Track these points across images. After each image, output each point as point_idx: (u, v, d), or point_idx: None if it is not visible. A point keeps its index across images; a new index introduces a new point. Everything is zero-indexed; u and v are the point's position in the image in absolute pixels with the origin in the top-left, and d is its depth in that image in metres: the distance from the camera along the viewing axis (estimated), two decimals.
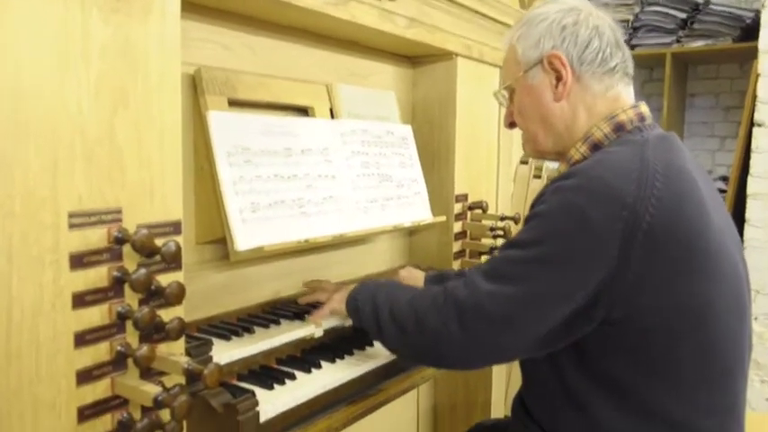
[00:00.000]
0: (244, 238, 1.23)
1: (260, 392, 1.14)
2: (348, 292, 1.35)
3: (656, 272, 1.01)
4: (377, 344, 1.43)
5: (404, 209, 1.69)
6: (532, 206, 1.13)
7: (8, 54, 0.80)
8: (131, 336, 0.95)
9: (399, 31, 1.60)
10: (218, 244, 1.33)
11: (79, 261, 0.88)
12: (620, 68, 1.20)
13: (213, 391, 1.06)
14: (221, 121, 1.26)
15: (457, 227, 1.94)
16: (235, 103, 1.34)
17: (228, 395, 1.08)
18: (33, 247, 0.84)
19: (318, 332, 1.38)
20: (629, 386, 1.06)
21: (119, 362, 0.94)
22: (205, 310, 1.35)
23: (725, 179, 3.70)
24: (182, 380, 1.00)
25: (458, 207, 1.93)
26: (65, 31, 0.86)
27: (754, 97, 3.04)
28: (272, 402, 1.13)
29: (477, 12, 1.84)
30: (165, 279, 0.97)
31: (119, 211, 0.93)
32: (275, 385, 1.19)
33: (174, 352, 1.01)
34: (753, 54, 3.15)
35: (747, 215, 2.99)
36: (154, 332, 0.97)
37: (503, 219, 2.00)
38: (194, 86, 1.28)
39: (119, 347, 0.93)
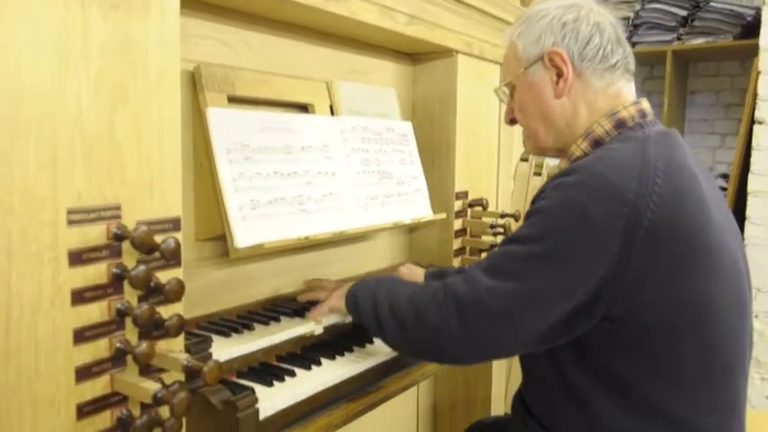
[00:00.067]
0: (243, 235, 1.23)
1: (260, 389, 1.13)
2: (347, 289, 1.35)
3: (658, 268, 1.00)
4: (377, 341, 1.43)
5: (404, 206, 1.68)
6: (533, 202, 1.12)
7: (8, 51, 0.80)
8: (131, 332, 0.95)
9: (399, 27, 1.59)
10: (218, 241, 1.32)
11: (78, 258, 0.88)
12: (622, 65, 1.20)
13: (213, 389, 1.06)
14: (221, 118, 1.26)
15: (457, 224, 1.94)
16: (234, 100, 1.34)
17: (228, 392, 1.07)
18: (32, 244, 0.83)
19: (318, 329, 1.38)
20: (629, 383, 1.06)
21: (118, 359, 0.94)
22: (205, 307, 1.35)
23: (725, 176, 3.70)
24: (181, 377, 1.00)
25: (458, 204, 1.93)
26: (64, 28, 0.85)
27: (755, 95, 3.04)
28: (272, 399, 1.13)
29: (477, 9, 1.84)
30: (164, 276, 0.97)
31: (118, 208, 0.93)
32: (275, 382, 1.19)
33: (174, 349, 1.00)
34: (753, 51, 3.14)
35: (748, 212, 2.98)
36: (153, 329, 0.96)
37: (503, 216, 2.00)
38: (194, 83, 1.28)
39: (118, 344, 0.93)
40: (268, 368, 1.27)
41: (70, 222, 0.87)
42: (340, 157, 1.52)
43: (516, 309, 1.05)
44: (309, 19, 1.48)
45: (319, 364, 1.30)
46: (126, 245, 0.93)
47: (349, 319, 1.39)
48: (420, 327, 1.15)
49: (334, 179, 1.48)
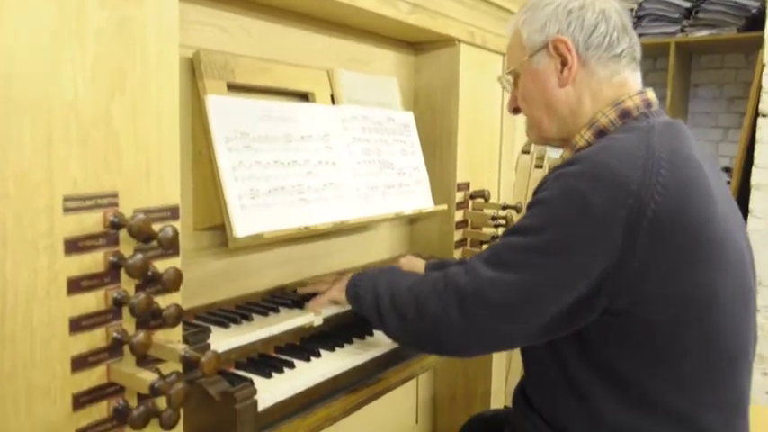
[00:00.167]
0: (243, 224, 1.22)
1: (258, 381, 1.13)
2: (348, 280, 1.34)
3: (662, 260, 0.99)
4: (377, 332, 1.43)
5: (405, 197, 1.67)
6: (535, 193, 1.11)
7: (2, 36, 0.78)
8: (127, 322, 0.94)
9: (402, 16, 1.57)
10: (217, 230, 1.31)
11: (74, 246, 0.87)
12: (627, 54, 1.18)
13: (211, 379, 1.05)
14: (220, 106, 1.25)
15: (458, 215, 1.93)
16: (233, 88, 1.32)
17: (226, 383, 1.07)
18: (27, 232, 0.82)
19: (318, 320, 1.37)
20: (631, 377, 1.05)
21: (115, 348, 0.93)
22: (203, 297, 1.34)
23: (728, 170, 3.68)
24: (179, 367, 0.99)
25: (459, 196, 1.92)
26: (60, 12, 0.84)
27: (759, 87, 3.02)
28: (271, 391, 1.12)
29: None
30: (161, 265, 0.96)
31: (115, 195, 0.91)
32: (273, 374, 1.18)
33: (172, 339, 0.99)
34: (758, 44, 3.12)
35: (751, 206, 2.98)
36: (150, 319, 0.96)
37: (504, 208, 1.99)
38: (192, 70, 1.27)
39: (115, 334, 0.92)
40: (267, 359, 1.26)
41: (66, 210, 0.86)
42: (340, 146, 1.51)
43: (517, 300, 1.04)
44: (310, 6, 1.47)
45: (318, 355, 1.29)
46: (123, 233, 0.92)
47: (348, 308, 1.38)
48: (420, 317, 1.14)
49: (334, 169, 1.47)
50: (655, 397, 1.05)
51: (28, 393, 0.84)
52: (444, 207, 1.81)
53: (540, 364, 1.18)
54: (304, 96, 1.53)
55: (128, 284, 0.93)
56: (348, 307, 1.37)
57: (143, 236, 0.91)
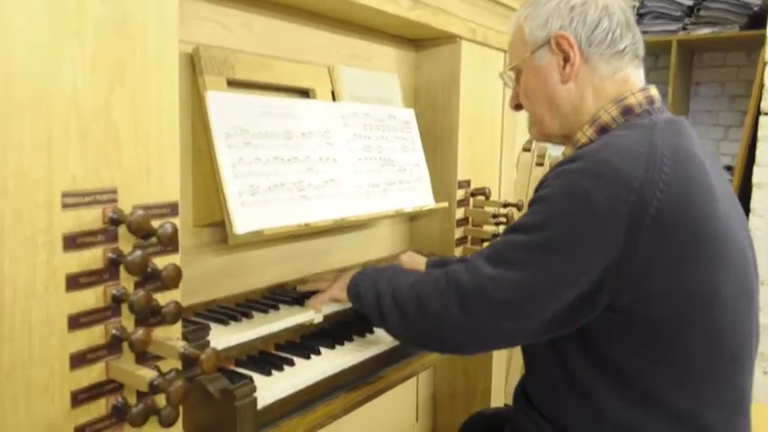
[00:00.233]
0: (243, 221, 1.21)
1: (258, 378, 1.12)
2: (349, 278, 1.34)
3: (664, 257, 0.99)
4: (377, 330, 1.42)
5: (406, 194, 1.66)
6: (536, 190, 1.11)
7: (1, 30, 0.78)
8: (127, 319, 0.93)
9: (403, 12, 1.57)
10: (217, 227, 1.31)
11: (73, 242, 0.86)
12: (630, 50, 1.17)
13: (210, 377, 1.04)
14: (220, 102, 1.24)
15: (459, 213, 1.92)
16: (234, 84, 1.32)
17: (226, 381, 1.06)
18: (26, 228, 0.82)
19: (318, 318, 1.36)
20: (633, 374, 1.05)
21: (113, 345, 0.92)
22: (203, 294, 1.33)
23: (729, 169, 3.67)
24: (178, 365, 0.98)
25: (460, 193, 1.91)
26: (60, 8, 0.83)
27: (762, 86, 3.01)
28: (271, 389, 1.12)
29: None
30: (161, 262, 0.95)
31: (114, 192, 0.91)
32: (273, 371, 1.18)
33: (171, 336, 0.99)
34: (760, 42, 3.11)
35: (752, 205, 2.97)
36: (150, 316, 0.95)
37: (505, 205, 1.99)
38: (192, 66, 1.26)
39: (114, 331, 0.91)
40: (267, 357, 1.26)
41: (65, 206, 0.85)
42: (341, 143, 1.50)
43: (518, 298, 1.04)
44: (311, 2, 1.46)
45: (318, 353, 1.29)
46: (122, 229, 0.91)
47: (349, 305, 1.37)
48: (421, 315, 1.14)
49: (335, 165, 1.46)
50: (657, 394, 1.04)
51: (26, 390, 0.83)
52: (445, 204, 1.80)
53: (542, 362, 1.17)
54: (305, 93, 1.52)
55: (127, 281, 0.93)
56: (349, 304, 1.36)
57: (142, 232, 0.91)
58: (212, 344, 1.11)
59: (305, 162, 1.38)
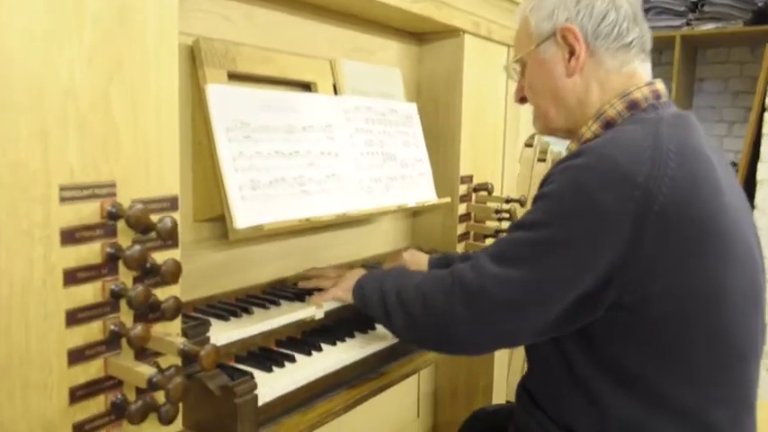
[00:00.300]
0: (243, 215, 1.20)
1: (258, 375, 1.11)
2: (354, 281, 1.33)
3: (669, 254, 0.97)
4: (379, 326, 1.41)
5: (408, 189, 1.65)
6: (541, 186, 1.10)
7: None
8: (125, 315, 0.92)
9: (405, 5, 1.55)
10: (217, 222, 1.29)
11: (71, 236, 0.85)
12: (637, 44, 1.16)
13: (210, 373, 1.03)
14: (221, 95, 1.23)
15: (461, 208, 1.91)
16: (234, 77, 1.30)
17: (226, 377, 1.05)
18: (23, 221, 0.80)
19: (319, 314, 1.35)
20: (638, 373, 1.04)
21: (112, 341, 0.91)
22: (203, 289, 1.32)
23: (733, 165, 3.66)
24: (178, 361, 0.97)
25: (463, 188, 1.90)
26: None
27: (766, 82, 2.99)
28: (271, 385, 1.11)
29: None
30: (160, 256, 0.94)
31: (113, 185, 0.90)
32: (274, 368, 1.17)
33: (170, 332, 0.98)
34: (764, 38, 3.10)
35: (756, 201, 2.96)
36: (149, 311, 0.94)
37: (508, 201, 1.97)
38: (192, 58, 1.24)
39: (112, 327, 0.90)
40: (267, 353, 1.25)
41: (63, 199, 0.84)
42: (343, 137, 1.49)
43: (522, 297, 1.03)
44: None
45: (320, 349, 1.28)
46: (121, 224, 0.90)
47: (349, 301, 1.36)
48: (427, 315, 1.13)
49: (336, 160, 1.45)
50: (661, 393, 1.03)
51: (23, 387, 0.82)
52: (448, 200, 1.79)
53: (545, 361, 1.16)
54: (306, 86, 1.51)
55: (126, 276, 0.92)
56: (349, 302, 1.35)
57: (141, 226, 0.89)
58: (212, 340, 1.10)
59: (306, 156, 1.37)
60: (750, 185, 3.06)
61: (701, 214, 0.99)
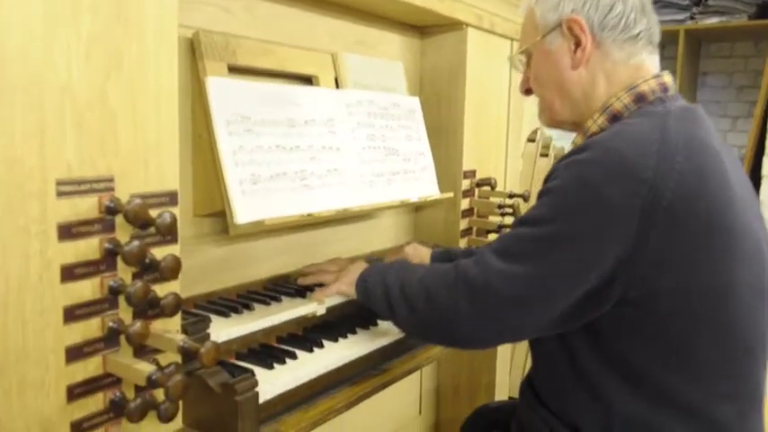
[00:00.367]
0: (244, 210, 1.18)
1: (259, 372, 1.10)
2: (356, 274, 1.32)
3: (677, 249, 0.96)
4: (381, 323, 1.40)
5: (410, 184, 1.64)
6: (545, 181, 1.09)
7: None
8: (124, 311, 0.91)
9: None
10: (217, 217, 1.28)
11: (68, 232, 0.84)
12: (645, 36, 1.14)
13: (210, 371, 1.02)
14: (221, 88, 1.21)
15: (464, 204, 1.90)
16: (235, 70, 1.29)
17: (226, 375, 1.04)
18: (19, 216, 0.79)
19: (321, 310, 1.34)
20: (644, 369, 1.03)
21: (111, 338, 0.90)
22: (203, 285, 1.31)
23: None
24: (177, 358, 0.96)
25: (465, 183, 1.89)
26: None
27: None
28: (272, 382, 1.09)
29: None
30: (159, 252, 0.93)
31: (111, 180, 0.88)
32: (275, 365, 1.16)
33: (170, 329, 0.96)
34: None
35: (761, 196, 2.95)
36: (148, 308, 0.93)
37: (511, 196, 1.96)
38: (192, 51, 1.23)
39: (111, 323, 0.89)
40: (268, 350, 1.24)
41: (60, 194, 0.83)
42: (345, 131, 1.47)
43: (527, 292, 1.02)
44: None
45: (321, 346, 1.27)
46: (119, 219, 0.89)
47: (352, 297, 1.35)
48: (430, 309, 1.13)
49: (338, 154, 1.43)
50: (668, 389, 1.03)
51: (20, 385, 0.81)
52: (450, 195, 1.78)
53: (550, 357, 1.15)
54: (308, 80, 1.49)
55: (124, 272, 0.90)
56: (352, 296, 1.34)
57: (140, 222, 0.88)
58: (212, 336, 1.09)
59: (307, 151, 1.35)
60: (754, 180, 3.05)
61: (709, 208, 0.98)
